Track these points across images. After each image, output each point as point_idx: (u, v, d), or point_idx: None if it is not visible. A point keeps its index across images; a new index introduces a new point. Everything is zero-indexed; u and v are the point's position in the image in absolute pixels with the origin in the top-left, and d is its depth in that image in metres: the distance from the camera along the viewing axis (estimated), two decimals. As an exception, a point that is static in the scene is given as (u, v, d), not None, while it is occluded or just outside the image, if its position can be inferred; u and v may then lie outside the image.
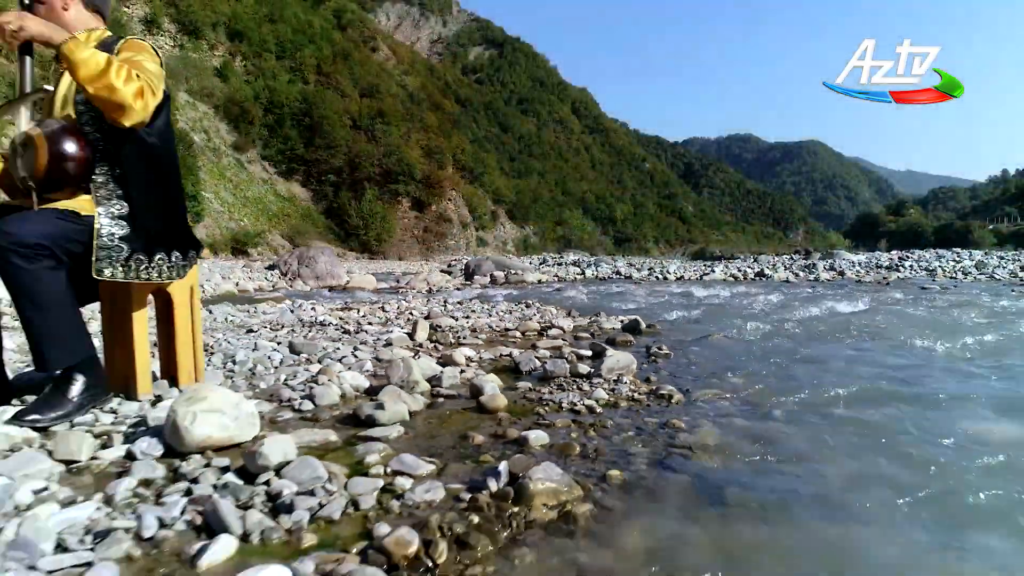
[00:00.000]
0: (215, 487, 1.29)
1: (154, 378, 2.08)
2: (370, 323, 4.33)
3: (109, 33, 1.92)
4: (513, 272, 12.90)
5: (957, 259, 15.58)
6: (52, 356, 1.68)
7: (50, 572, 0.95)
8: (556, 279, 12.56)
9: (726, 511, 1.26)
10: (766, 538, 1.15)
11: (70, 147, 1.66)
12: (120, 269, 1.77)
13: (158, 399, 1.95)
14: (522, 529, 1.15)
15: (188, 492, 1.26)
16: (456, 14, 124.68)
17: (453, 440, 1.67)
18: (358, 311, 5.39)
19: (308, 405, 1.97)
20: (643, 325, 4.02)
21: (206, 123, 48.55)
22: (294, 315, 4.98)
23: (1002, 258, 17.57)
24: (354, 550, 1.03)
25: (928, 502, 1.32)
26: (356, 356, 2.84)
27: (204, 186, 35.84)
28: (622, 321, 4.29)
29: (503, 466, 1.33)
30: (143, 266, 1.82)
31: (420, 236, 54.96)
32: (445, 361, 2.68)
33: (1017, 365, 2.89)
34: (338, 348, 3.05)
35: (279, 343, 3.23)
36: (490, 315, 4.78)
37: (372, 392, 2.15)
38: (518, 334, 3.79)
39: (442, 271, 17.14)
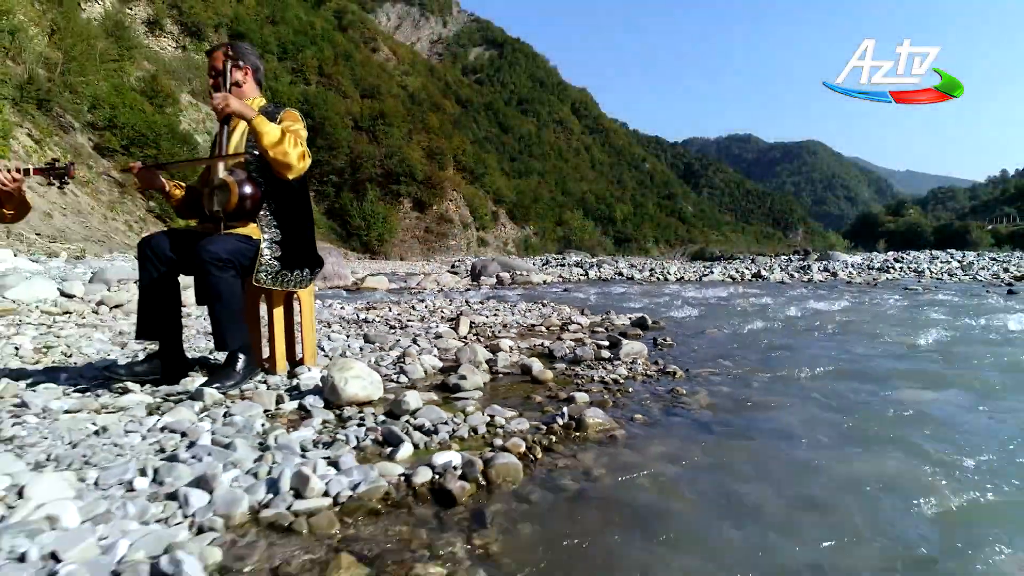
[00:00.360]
0: (376, 422, 1.96)
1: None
2: (409, 320, 4.99)
3: (264, 100, 2.59)
4: (519, 273, 13.53)
5: (947, 260, 16.26)
6: (229, 340, 2.35)
7: (310, 458, 1.61)
8: (561, 280, 13.20)
9: (714, 437, 1.94)
10: (740, 450, 1.82)
11: (249, 190, 2.33)
12: (271, 279, 2.45)
13: (291, 373, 2.62)
14: (583, 444, 1.82)
15: (360, 425, 1.93)
16: (456, 15, 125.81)
17: (520, 400, 2.34)
18: (390, 309, 6.05)
19: (404, 378, 2.65)
20: (649, 321, 4.69)
21: (209, 124, 48.74)
22: (329, 313, 5.64)
23: (994, 259, 18.26)
24: (486, 450, 1.70)
25: (851, 434, 1.99)
26: (418, 345, 3.51)
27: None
28: (630, 318, 4.96)
29: (565, 409, 2.01)
30: (287, 278, 2.50)
31: (421, 236, 55.38)
32: (493, 349, 3.35)
33: (957, 351, 3.56)
34: (399, 340, 3.72)
35: (348, 335, 3.90)
36: (512, 313, 5.45)
37: (445, 371, 2.82)
38: (543, 329, 4.46)
39: (448, 271, 17.79)
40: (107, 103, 32.78)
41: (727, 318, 5.33)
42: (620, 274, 13.93)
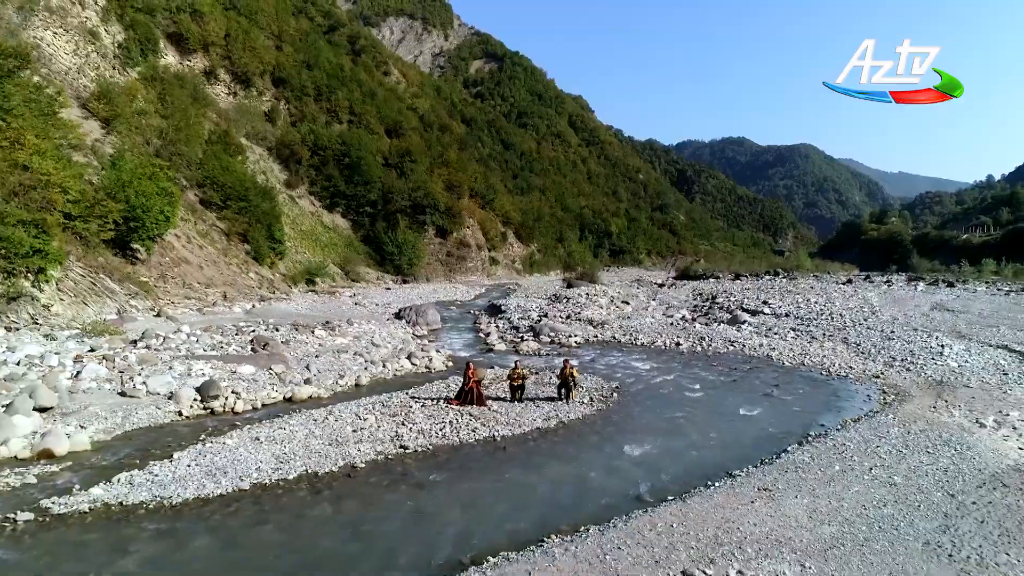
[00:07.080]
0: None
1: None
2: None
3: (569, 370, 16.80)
4: (562, 334, 27.53)
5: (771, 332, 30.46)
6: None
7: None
8: (584, 341, 27.11)
9: (630, 400, 16.27)
10: (632, 395, 16.17)
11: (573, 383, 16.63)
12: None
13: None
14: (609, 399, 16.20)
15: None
16: (457, 28, 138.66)
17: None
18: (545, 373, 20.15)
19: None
20: (619, 385, 18.84)
21: (263, 164, 60.81)
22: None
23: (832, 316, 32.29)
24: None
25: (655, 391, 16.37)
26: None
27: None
28: (614, 385, 19.13)
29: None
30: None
31: (444, 260, 67.84)
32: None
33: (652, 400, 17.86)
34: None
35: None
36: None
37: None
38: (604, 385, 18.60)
39: (512, 326, 31.62)
40: (209, 164, 42.89)
41: (644, 384, 19.28)
42: (614, 337, 27.95)
